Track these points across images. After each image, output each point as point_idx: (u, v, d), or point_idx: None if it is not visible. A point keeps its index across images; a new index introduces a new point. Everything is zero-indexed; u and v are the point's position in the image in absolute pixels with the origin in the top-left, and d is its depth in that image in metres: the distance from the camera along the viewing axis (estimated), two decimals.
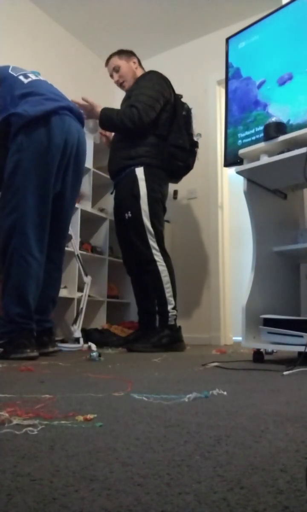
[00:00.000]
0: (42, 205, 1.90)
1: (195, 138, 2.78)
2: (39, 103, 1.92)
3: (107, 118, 2.55)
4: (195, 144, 2.77)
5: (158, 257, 2.50)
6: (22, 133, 1.88)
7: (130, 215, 2.57)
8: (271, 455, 0.52)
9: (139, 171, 2.55)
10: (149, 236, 2.51)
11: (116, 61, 2.79)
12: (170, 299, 2.48)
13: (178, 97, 2.74)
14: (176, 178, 2.81)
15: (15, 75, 2.02)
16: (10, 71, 2.03)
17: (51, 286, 2.04)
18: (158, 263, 2.49)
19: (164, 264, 2.51)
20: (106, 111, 2.55)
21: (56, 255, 2.07)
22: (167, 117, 2.63)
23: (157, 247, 2.52)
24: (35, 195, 1.88)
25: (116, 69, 2.79)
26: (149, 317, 2.66)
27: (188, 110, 2.75)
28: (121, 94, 4.21)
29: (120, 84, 2.83)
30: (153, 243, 2.51)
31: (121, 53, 2.81)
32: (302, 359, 1.46)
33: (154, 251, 2.50)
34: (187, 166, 2.74)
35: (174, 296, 2.52)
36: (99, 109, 2.55)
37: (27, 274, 1.83)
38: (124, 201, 2.61)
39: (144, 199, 2.53)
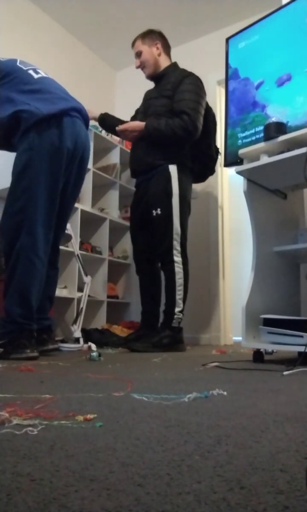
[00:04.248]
0: (49, 206, 1.90)
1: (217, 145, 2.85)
2: (51, 102, 1.90)
3: (155, 131, 2.51)
4: (218, 150, 2.83)
5: (177, 258, 2.49)
6: (33, 131, 1.86)
7: (159, 212, 2.52)
8: (271, 455, 0.52)
9: (173, 169, 2.53)
10: (174, 236, 2.49)
11: (139, 45, 2.72)
12: (179, 302, 2.46)
13: (206, 101, 2.72)
14: (199, 181, 2.86)
15: (24, 68, 1.98)
16: (18, 64, 2.00)
17: (48, 284, 2.03)
18: (176, 264, 2.47)
19: (181, 266, 2.49)
20: (152, 124, 2.52)
21: (52, 254, 2.06)
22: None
23: (179, 248, 2.50)
24: (43, 195, 1.87)
25: (138, 54, 2.72)
26: (152, 319, 2.65)
27: (214, 116, 2.77)
28: (121, 95, 4.22)
29: (141, 70, 2.79)
30: (176, 243, 2.50)
31: (146, 36, 2.72)
32: (302, 359, 1.47)
33: (175, 252, 2.49)
34: (211, 172, 2.83)
35: (184, 299, 2.50)
36: (134, 125, 2.58)
37: (32, 275, 1.83)
38: (155, 198, 2.56)
39: (176, 197, 2.51)
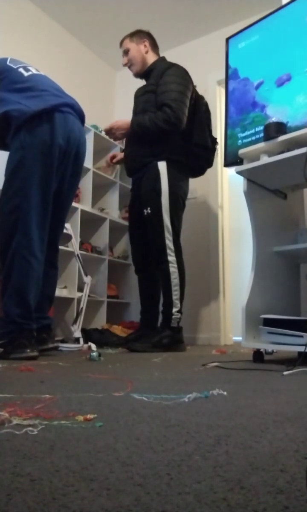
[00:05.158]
0: (43, 204, 1.90)
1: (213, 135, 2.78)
2: (42, 99, 1.89)
3: (140, 128, 2.47)
4: (215, 141, 2.75)
5: (171, 257, 2.45)
6: (24, 130, 1.85)
7: (149, 211, 2.50)
8: (271, 455, 0.52)
9: (162, 166, 2.49)
10: (166, 235, 2.46)
11: (127, 43, 2.71)
12: (176, 302, 2.44)
13: (196, 91, 2.66)
14: (197, 175, 2.79)
15: (14, 67, 1.97)
16: (8, 63, 1.99)
17: (48, 284, 2.03)
18: (170, 264, 2.44)
19: (176, 265, 2.45)
20: (137, 121, 2.50)
21: (51, 254, 2.06)
22: (189, 112, 2.54)
23: (172, 247, 2.47)
24: (37, 194, 1.87)
25: (126, 52, 2.71)
26: (151, 318, 2.65)
27: (207, 105, 2.71)
28: (121, 95, 4.22)
29: (128, 68, 2.76)
30: (169, 242, 2.46)
31: (134, 35, 2.72)
32: (302, 359, 1.47)
33: (168, 251, 2.45)
34: (208, 164, 2.74)
35: (181, 299, 2.48)
36: (119, 123, 2.53)
37: (28, 275, 1.83)
38: (145, 197, 2.53)
39: (165, 194, 2.47)
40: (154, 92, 2.54)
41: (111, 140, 2.67)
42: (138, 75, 2.75)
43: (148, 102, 2.54)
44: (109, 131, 2.59)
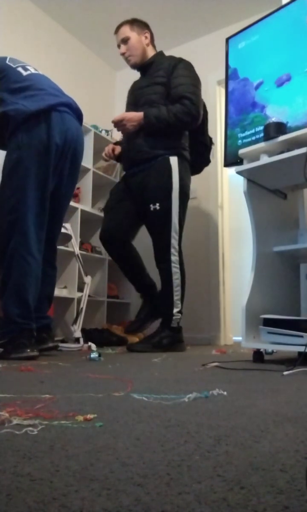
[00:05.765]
0: (41, 204, 1.90)
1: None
2: (40, 98, 1.89)
3: (157, 120, 2.36)
4: (211, 140, 2.77)
5: (174, 257, 2.40)
6: (22, 130, 1.85)
7: (157, 207, 2.41)
8: (271, 455, 0.52)
9: (174, 161, 2.42)
10: (172, 234, 2.40)
11: (126, 31, 2.55)
12: (177, 303, 2.42)
13: None
14: (194, 173, 2.74)
15: (13, 66, 1.97)
16: (7, 62, 1.99)
17: (46, 283, 2.03)
18: (172, 264, 2.40)
19: (178, 266, 2.41)
20: (153, 113, 2.37)
21: (50, 254, 2.05)
22: None
23: (176, 246, 2.41)
24: (34, 194, 1.87)
25: (125, 40, 2.55)
26: (151, 290, 2.60)
27: (204, 104, 2.67)
28: (121, 95, 4.22)
29: (126, 58, 2.61)
30: (174, 241, 2.40)
31: (134, 23, 2.57)
32: (302, 359, 1.47)
33: (172, 250, 2.40)
34: (206, 162, 2.75)
35: (182, 299, 2.45)
36: (130, 115, 2.42)
37: (27, 274, 1.83)
38: (154, 192, 2.43)
39: (176, 192, 2.40)
40: (163, 84, 2.46)
41: (119, 132, 2.58)
42: (135, 66, 2.64)
43: (156, 94, 2.45)
44: (119, 123, 2.44)
